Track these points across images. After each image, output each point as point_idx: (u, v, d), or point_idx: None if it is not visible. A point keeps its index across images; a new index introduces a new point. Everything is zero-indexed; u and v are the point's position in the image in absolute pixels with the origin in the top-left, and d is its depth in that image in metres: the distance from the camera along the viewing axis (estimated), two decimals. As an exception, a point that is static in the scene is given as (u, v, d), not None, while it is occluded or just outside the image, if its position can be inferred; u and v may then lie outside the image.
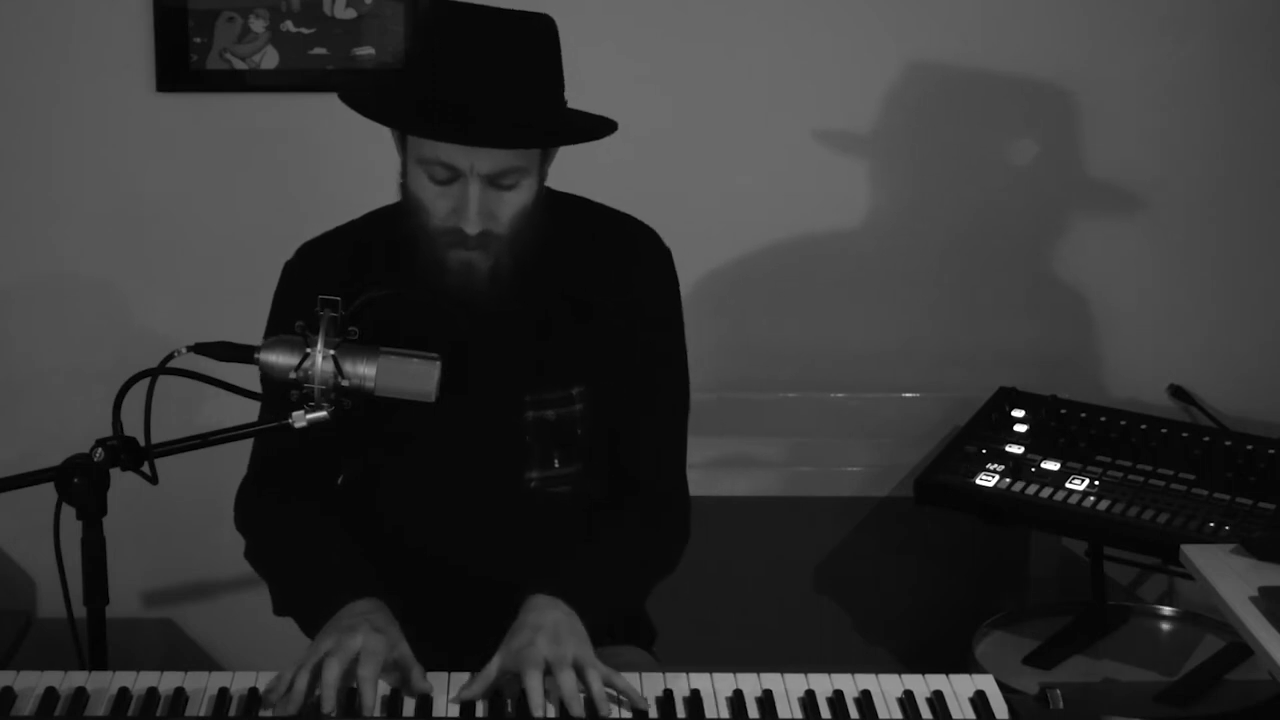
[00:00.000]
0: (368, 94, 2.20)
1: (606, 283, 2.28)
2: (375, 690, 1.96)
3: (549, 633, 2.01)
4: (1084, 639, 3.04)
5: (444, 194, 2.11)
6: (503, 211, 2.12)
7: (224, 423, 2.15)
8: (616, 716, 1.96)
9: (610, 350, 2.28)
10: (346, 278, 2.20)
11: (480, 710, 1.97)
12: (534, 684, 1.95)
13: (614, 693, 1.99)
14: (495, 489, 2.28)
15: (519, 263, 2.16)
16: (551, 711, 1.95)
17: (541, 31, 2.13)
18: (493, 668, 2.01)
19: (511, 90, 2.09)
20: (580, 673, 1.98)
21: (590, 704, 1.96)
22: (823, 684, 2.03)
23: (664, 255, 2.34)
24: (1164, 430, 3.05)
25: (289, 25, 3.25)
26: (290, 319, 2.07)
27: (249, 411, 2.19)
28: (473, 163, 2.08)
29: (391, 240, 2.21)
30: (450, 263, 2.13)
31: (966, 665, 2.94)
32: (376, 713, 1.96)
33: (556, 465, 2.28)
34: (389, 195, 2.34)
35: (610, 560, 2.21)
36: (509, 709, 1.97)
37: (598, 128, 2.17)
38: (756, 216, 3.37)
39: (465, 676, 2.03)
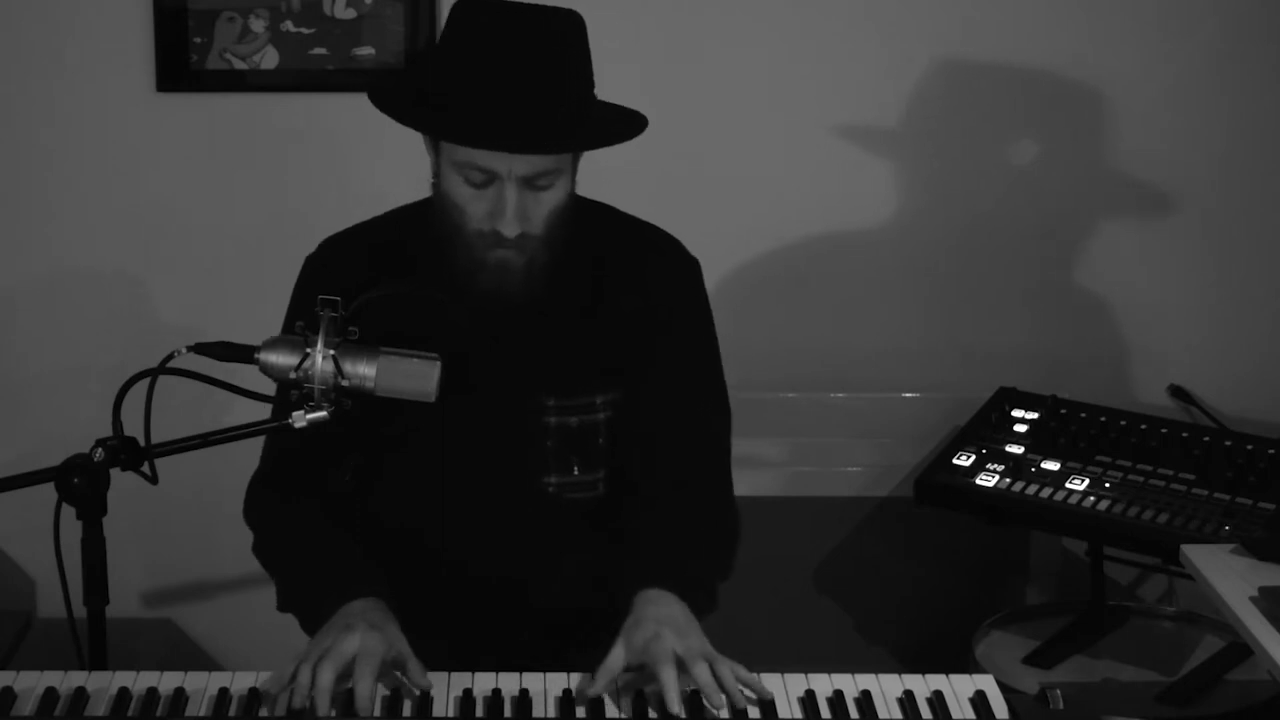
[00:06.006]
0: (400, 98, 2.18)
1: (631, 292, 2.27)
2: (373, 690, 1.95)
3: (673, 627, 2.01)
4: (1084, 639, 3.04)
5: (480, 196, 2.11)
6: (538, 212, 2.12)
7: (225, 423, 2.15)
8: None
9: (637, 359, 2.27)
10: (369, 274, 2.20)
11: (480, 710, 1.97)
12: (670, 679, 1.93)
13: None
14: (507, 490, 2.28)
15: (553, 260, 2.16)
16: (683, 711, 1.93)
17: (570, 27, 2.13)
18: (617, 661, 1.99)
19: (541, 89, 2.08)
20: (711, 666, 1.97)
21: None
22: (823, 684, 2.03)
23: (690, 265, 2.33)
24: (1164, 430, 3.05)
25: (289, 25, 3.25)
26: (311, 312, 2.07)
27: (249, 411, 2.19)
28: (510, 166, 2.08)
29: (421, 238, 2.21)
30: (488, 262, 2.13)
31: (966, 665, 2.94)
32: (376, 713, 1.95)
33: (576, 471, 2.27)
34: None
35: (694, 559, 2.19)
36: (508, 710, 1.97)
37: (632, 126, 2.17)
38: (757, 218, 3.37)
39: (467, 676, 2.03)
